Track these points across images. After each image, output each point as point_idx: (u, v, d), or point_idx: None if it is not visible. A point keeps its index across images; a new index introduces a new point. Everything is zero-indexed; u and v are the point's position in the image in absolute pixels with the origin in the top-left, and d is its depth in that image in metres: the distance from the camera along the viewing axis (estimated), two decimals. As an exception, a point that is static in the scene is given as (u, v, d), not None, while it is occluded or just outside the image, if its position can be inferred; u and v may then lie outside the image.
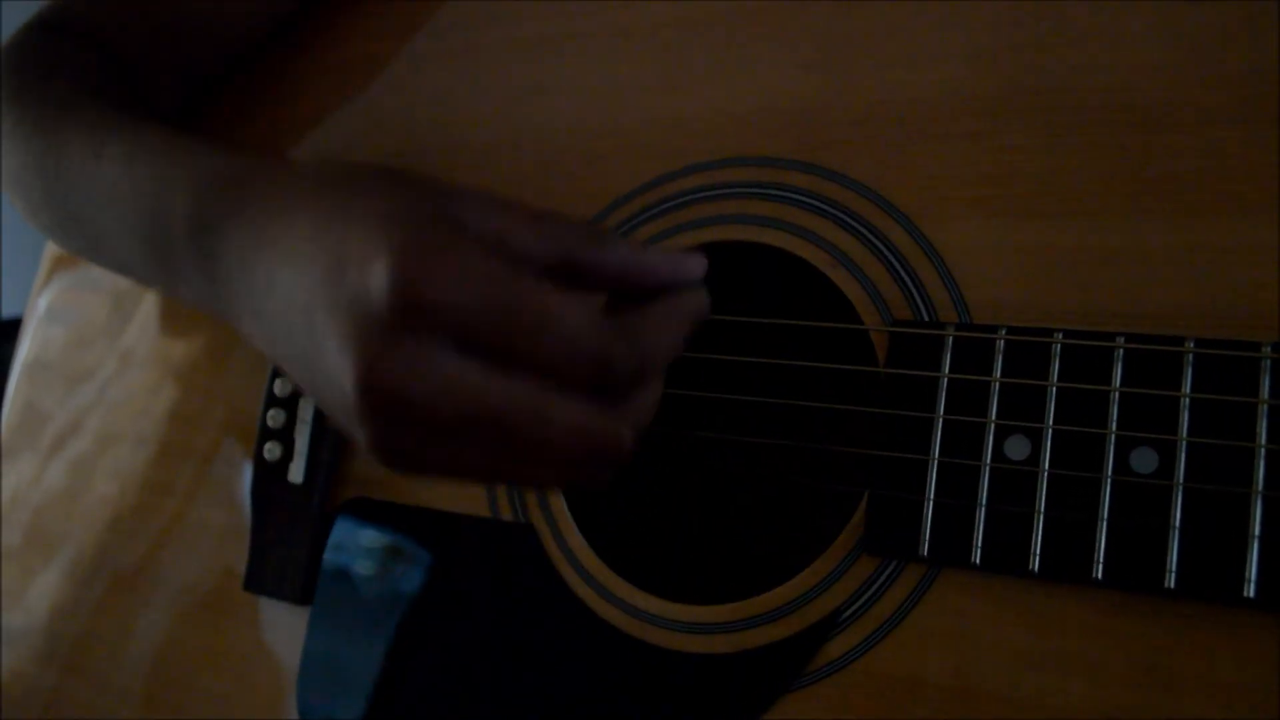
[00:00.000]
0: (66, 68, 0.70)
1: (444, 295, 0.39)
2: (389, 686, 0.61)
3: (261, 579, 0.68)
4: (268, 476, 0.68)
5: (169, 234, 0.54)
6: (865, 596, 0.49)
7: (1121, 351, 0.45)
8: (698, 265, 0.46)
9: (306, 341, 0.43)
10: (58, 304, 0.90)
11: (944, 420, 0.48)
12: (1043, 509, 0.45)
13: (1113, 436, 0.45)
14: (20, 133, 0.66)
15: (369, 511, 0.64)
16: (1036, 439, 0.46)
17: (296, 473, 0.67)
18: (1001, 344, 0.48)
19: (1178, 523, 0.43)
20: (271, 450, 0.68)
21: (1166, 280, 0.46)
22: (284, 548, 0.67)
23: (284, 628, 0.67)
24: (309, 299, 0.42)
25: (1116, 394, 0.45)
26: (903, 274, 0.52)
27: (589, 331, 0.40)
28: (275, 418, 0.68)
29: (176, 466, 0.76)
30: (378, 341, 0.39)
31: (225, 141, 0.60)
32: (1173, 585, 0.43)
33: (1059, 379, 0.46)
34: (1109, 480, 0.44)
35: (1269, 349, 0.43)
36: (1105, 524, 0.44)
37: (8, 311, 1.51)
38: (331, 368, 0.41)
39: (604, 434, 0.41)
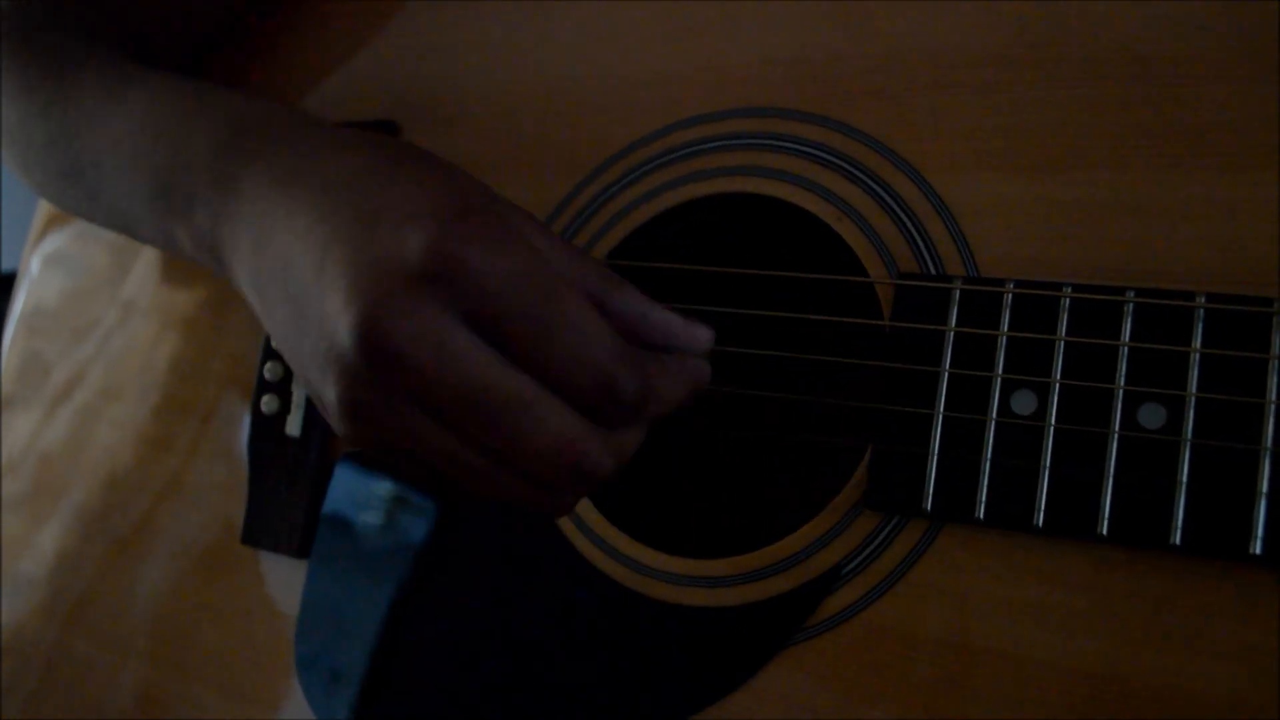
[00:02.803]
0: (69, 19, 0.69)
1: (482, 267, 0.38)
2: (387, 638, 0.61)
3: (260, 532, 0.67)
4: (265, 429, 0.68)
5: (190, 166, 0.52)
6: (867, 551, 0.49)
7: (1131, 306, 0.45)
8: (706, 336, 0.46)
9: (310, 279, 0.41)
10: (58, 254, 0.90)
11: (950, 374, 0.48)
12: (1048, 464, 0.45)
13: (1120, 392, 0.44)
14: (23, 84, 0.65)
15: (368, 461, 0.63)
16: (1043, 394, 0.46)
17: (294, 425, 0.67)
18: (1009, 298, 0.47)
19: (1185, 479, 0.43)
20: (269, 403, 0.68)
21: (1177, 236, 0.45)
22: (282, 501, 0.67)
23: (282, 581, 0.67)
24: (329, 237, 0.41)
25: (1125, 349, 0.44)
26: (910, 227, 0.51)
27: (608, 350, 0.40)
28: (273, 370, 0.68)
29: (178, 420, 0.76)
30: (394, 294, 0.38)
31: (258, 91, 0.59)
32: (1178, 542, 0.42)
33: (1067, 334, 0.46)
34: (1116, 436, 0.44)
35: (1280, 304, 0.42)
36: (1111, 480, 0.44)
37: (5, 265, 1.50)
38: (329, 311, 0.40)
39: (588, 452, 0.41)
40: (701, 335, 0.46)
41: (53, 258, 0.90)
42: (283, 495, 0.66)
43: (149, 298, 0.80)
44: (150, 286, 0.80)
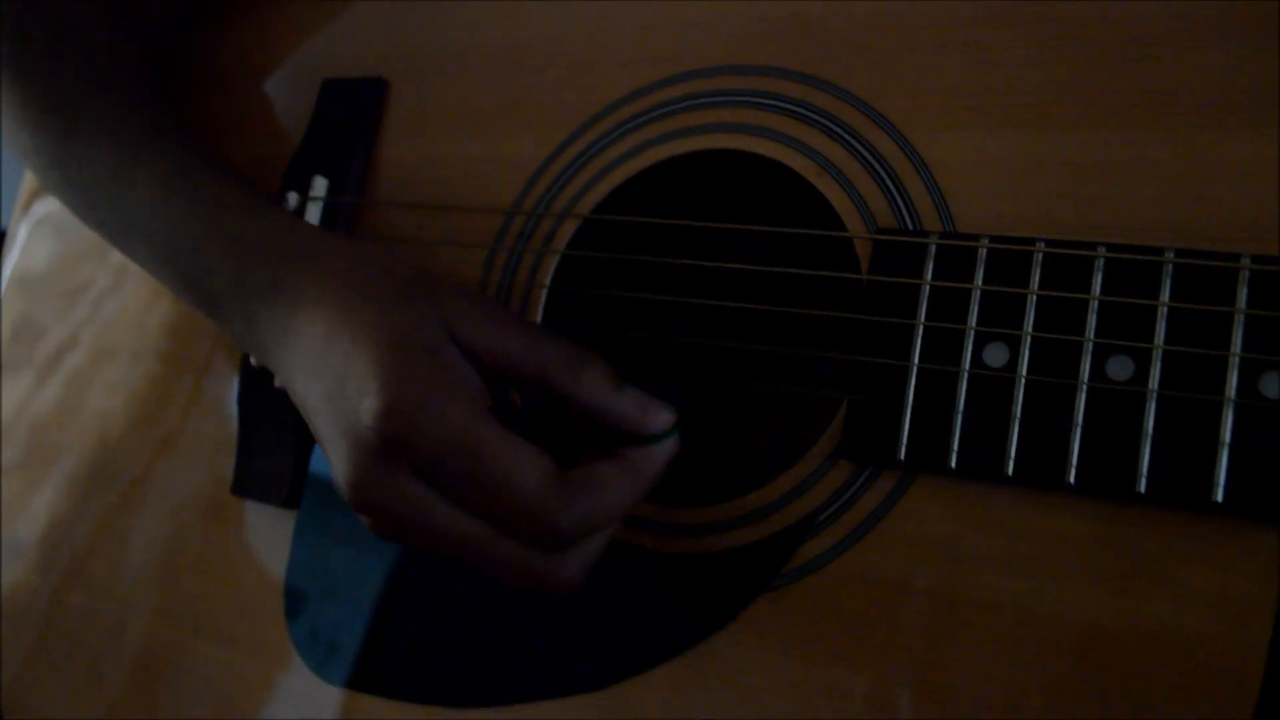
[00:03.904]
0: (69, 28, 0.69)
1: (419, 440, 0.46)
2: (376, 590, 0.62)
3: (249, 483, 0.68)
4: (254, 382, 0.69)
5: (210, 287, 0.58)
6: (841, 501, 0.50)
7: (1102, 261, 0.46)
8: (665, 419, 0.51)
9: (321, 429, 0.50)
10: (48, 218, 0.90)
11: (924, 327, 0.49)
12: (1019, 414, 0.46)
13: (1090, 344, 0.45)
14: (27, 114, 0.66)
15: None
16: (1015, 346, 0.46)
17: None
18: (983, 253, 0.48)
19: (1150, 429, 0.44)
20: (259, 357, 0.68)
21: (1152, 194, 0.46)
22: (271, 453, 0.67)
23: (272, 533, 0.68)
24: (318, 404, 0.50)
25: (1095, 303, 0.45)
26: (889, 184, 0.52)
27: (540, 495, 0.47)
28: (263, 326, 0.68)
29: (172, 379, 0.76)
30: (365, 462, 0.47)
31: (254, 190, 0.63)
32: (1143, 490, 0.43)
33: (1039, 288, 0.46)
34: (1084, 387, 0.45)
35: (1247, 260, 0.43)
36: (1080, 429, 0.45)
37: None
38: (335, 463, 0.49)
39: (543, 574, 0.48)
40: (660, 420, 0.51)
41: (43, 222, 0.90)
42: (271, 447, 0.67)
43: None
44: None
